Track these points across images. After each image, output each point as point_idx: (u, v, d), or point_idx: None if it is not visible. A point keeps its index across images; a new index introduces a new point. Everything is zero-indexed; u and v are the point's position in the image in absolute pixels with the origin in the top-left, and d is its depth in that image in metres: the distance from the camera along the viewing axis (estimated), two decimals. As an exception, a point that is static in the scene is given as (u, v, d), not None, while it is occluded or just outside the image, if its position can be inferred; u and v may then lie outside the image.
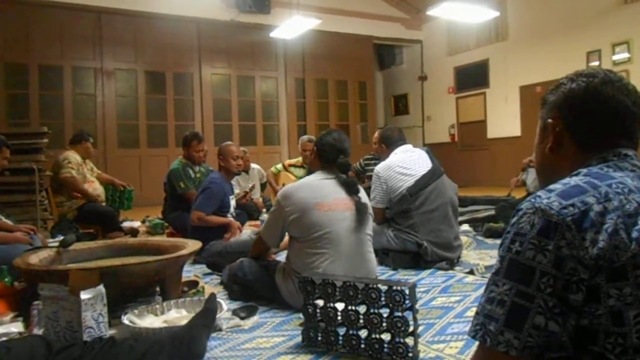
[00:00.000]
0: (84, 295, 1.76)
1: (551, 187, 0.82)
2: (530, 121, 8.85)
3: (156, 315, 2.16)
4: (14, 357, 1.46)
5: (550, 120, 0.95)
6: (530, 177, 4.50)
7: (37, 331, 1.94)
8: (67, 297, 1.77)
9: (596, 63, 8.04)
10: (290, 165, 5.90)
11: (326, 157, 2.47)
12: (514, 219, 0.81)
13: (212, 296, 2.03)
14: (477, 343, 0.80)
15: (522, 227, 0.78)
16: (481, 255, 3.53)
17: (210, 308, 1.96)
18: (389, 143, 3.47)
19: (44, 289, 1.84)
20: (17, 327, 2.05)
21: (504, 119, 9.67)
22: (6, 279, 2.44)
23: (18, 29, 7.79)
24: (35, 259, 2.40)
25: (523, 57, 9.16)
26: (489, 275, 0.82)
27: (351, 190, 2.41)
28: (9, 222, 3.18)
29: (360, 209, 2.38)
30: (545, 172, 0.98)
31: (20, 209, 4.29)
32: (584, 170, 0.86)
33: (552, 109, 0.95)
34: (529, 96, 9.01)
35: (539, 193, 0.82)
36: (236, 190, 5.34)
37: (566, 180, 0.84)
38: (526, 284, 0.75)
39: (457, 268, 3.16)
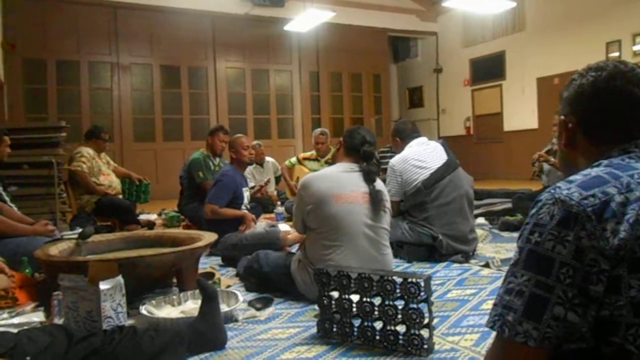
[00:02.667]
0: (103, 286, 1.79)
1: (571, 178, 0.82)
2: (548, 113, 8.68)
3: (173, 305, 2.20)
4: (35, 346, 1.49)
5: (562, 117, 0.95)
6: (545, 171, 4.45)
7: (58, 321, 1.98)
8: (86, 288, 1.81)
9: (616, 54, 7.89)
10: (305, 159, 5.90)
11: (351, 143, 2.47)
12: (533, 210, 0.80)
13: (201, 281, 2.00)
14: (494, 335, 0.79)
15: (541, 218, 0.78)
16: (497, 249, 3.51)
17: (210, 295, 1.91)
18: (403, 136, 3.45)
19: (64, 279, 1.88)
20: (38, 317, 2.10)
21: (521, 111, 9.55)
22: (27, 270, 2.49)
23: (36, 24, 7.88)
24: (55, 250, 2.45)
25: (541, 49, 9.02)
26: (504, 268, 0.82)
27: (368, 178, 2.40)
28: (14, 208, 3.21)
29: (374, 196, 2.37)
30: (565, 166, 0.99)
31: (39, 201, 4.36)
32: (605, 162, 0.85)
33: (565, 106, 0.95)
34: (547, 88, 8.88)
35: (559, 184, 0.81)
36: (251, 184, 5.37)
37: (587, 171, 0.83)
38: (545, 274, 0.74)
39: (472, 261, 3.14)
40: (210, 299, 1.91)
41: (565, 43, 8.52)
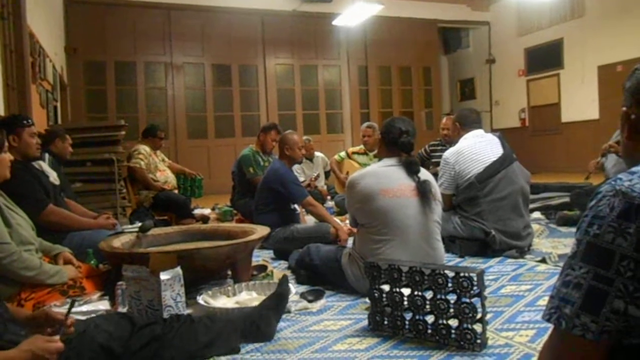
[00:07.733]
0: (164, 276, 1.88)
1: (634, 169, 0.79)
2: (610, 103, 8.30)
3: (228, 296, 2.27)
4: (101, 333, 1.58)
5: (624, 109, 0.91)
6: (610, 162, 4.23)
7: (122, 309, 2.09)
8: (148, 278, 1.90)
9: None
10: (354, 153, 5.90)
11: (389, 137, 2.46)
12: (593, 202, 0.78)
13: (284, 280, 2.10)
14: (550, 330, 0.78)
15: (600, 209, 0.75)
16: (554, 244, 3.39)
17: (282, 292, 2.03)
18: (464, 123, 3.37)
19: (127, 270, 1.98)
20: (104, 305, 2.21)
21: (580, 101, 9.13)
22: (92, 261, 2.63)
23: (95, 29, 8.27)
24: (117, 242, 2.58)
25: (602, 35, 8.58)
26: (562, 264, 0.80)
27: (411, 170, 2.38)
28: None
29: (420, 187, 2.34)
30: (628, 160, 0.94)
31: (101, 196, 4.59)
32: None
33: (627, 97, 0.91)
34: (609, 76, 8.44)
35: (620, 175, 0.79)
36: (301, 178, 5.43)
37: (651, 162, 0.79)
38: (605, 267, 0.72)
39: (527, 256, 3.05)
40: (281, 296, 2.00)
41: (629, 29, 8.06)
